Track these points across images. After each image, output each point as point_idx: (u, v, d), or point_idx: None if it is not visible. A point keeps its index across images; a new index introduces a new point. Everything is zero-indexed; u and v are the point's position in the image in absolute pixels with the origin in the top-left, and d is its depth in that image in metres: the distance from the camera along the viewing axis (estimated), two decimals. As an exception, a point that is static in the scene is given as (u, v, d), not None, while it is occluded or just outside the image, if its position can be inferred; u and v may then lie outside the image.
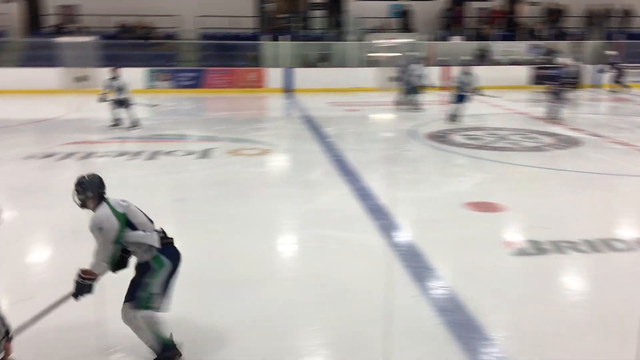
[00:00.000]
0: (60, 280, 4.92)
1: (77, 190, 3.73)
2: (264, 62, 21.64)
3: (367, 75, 21.11)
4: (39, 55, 20.00)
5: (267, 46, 21.66)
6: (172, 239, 3.82)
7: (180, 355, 3.75)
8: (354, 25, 23.53)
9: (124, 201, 3.80)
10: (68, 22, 22.48)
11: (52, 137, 11.81)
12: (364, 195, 7.57)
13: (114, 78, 12.35)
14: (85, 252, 5.73)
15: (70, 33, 21.70)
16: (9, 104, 15.16)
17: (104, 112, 12.83)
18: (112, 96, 12.36)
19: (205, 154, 10.21)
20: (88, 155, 9.93)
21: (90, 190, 3.72)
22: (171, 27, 22.60)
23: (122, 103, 12.38)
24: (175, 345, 3.74)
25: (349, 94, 19.63)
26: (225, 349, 3.96)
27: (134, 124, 12.52)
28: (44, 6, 22.91)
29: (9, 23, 22.10)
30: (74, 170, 9.05)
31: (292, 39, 21.66)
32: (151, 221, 3.81)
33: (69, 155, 9.95)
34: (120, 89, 12.30)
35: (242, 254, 5.66)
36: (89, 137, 11.74)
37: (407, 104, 15.86)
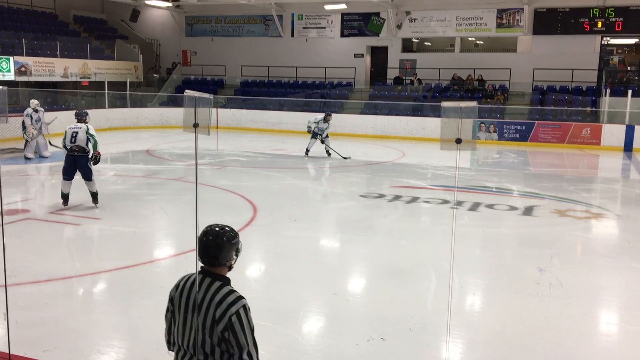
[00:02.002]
0: (376, 317, 5.32)
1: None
2: (601, 118, 19.96)
3: None
4: (379, 105, 22.49)
5: (608, 101, 19.92)
6: (75, 152, 8.87)
7: (64, 203, 9.13)
8: None
9: (73, 127, 8.94)
10: (407, 75, 24.52)
11: (384, 179, 12.90)
12: None
13: (325, 121, 15.29)
14: (402, 291, 6.09)
15: (409, 84, 23.76)
16: (353, 146, 17.22)
17: (430, 158, 13.45)
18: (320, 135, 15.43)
19: (528, 210, 9.83)
20: (413, 200, 10.54)
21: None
22: (503, 80, 22.67)
23: (322, 142, 15.51)
24: (63, 197, 9.15)
25: None
26: None
27: (306, 153, 15.69)
28: (388, 60, 25.43)
29: (358, 75, 25.27)
30: (401, 213, 9.73)
31: (638, 94, 19.50)
32: (73, 141, 8.80)
33: (397, 197, 10.71)
34: (322, 131, 15.34)
35: (569, 330, 5.22)
36: (415, 183, 12.47)
37: None
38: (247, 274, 6.74)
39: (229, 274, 2.74)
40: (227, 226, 2.77)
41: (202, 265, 2.70)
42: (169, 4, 26.18)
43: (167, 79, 27.35)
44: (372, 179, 13.32)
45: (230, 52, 27.23)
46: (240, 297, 2.61)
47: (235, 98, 24.83)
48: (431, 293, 6.05)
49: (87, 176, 9.02)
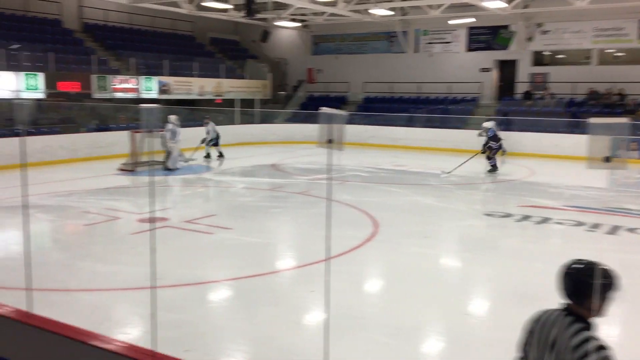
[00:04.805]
0: (495, 339, 5.08)
1: None
2: None
3: None
4: (509, 121, 21.61)
5: None
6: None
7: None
8: None
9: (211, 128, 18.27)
10: (538, 89, 23.43)
11: (511, 198, 12.37)
12: None
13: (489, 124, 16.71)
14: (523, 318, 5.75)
15: (539, 99, 22.69)
16: (476, 163, 16.72)
17: (560, 178, 12.67)
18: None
19: (676, 237, 8.95)
20: (544, 220, 9.99)
21: None
22: (646, 94, 20.94)
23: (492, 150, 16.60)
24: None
25: None
26: None
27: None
28: (517, 74, 24.47)
29: (484, 90, 24.55)
30: (529, 234, 9.27)
31: None
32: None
33: (526, 217, 10.22)
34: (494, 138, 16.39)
35: None
36: (546, 202, 11.81)
37: None
38: (366, 290, 6.77)
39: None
40: (607, 266, 2.51)
41: (567, 302, 2.51)
42: (298, 24, 27.18)
43: (293, 96, 28.35)
44: (498, 197, 12.83)
45: (353, 69, 27.66)
46: (602, 348, 2.32)
47: (357, 114, 25.13)
48: (563, 320, 5.68)
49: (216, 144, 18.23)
